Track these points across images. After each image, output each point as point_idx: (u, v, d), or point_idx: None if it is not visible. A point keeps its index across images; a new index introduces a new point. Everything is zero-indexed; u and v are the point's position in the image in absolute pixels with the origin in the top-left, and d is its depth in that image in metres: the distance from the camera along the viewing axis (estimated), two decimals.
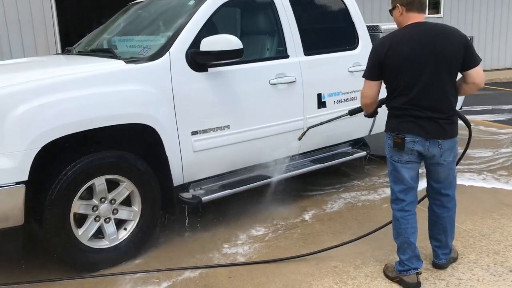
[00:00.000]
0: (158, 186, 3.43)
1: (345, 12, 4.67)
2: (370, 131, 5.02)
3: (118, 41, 4.18)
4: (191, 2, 3.83)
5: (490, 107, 8.80)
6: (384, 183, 4.89)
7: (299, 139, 4.09)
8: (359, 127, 4.82)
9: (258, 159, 4.08)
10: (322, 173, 5.09)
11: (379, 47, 2.88)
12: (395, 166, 2.96)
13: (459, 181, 4.55)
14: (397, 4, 2.86)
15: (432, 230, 3.13)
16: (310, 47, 4.29)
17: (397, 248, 3.03)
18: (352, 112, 3.79)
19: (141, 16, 4.39)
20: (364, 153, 4.86)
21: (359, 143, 5.00)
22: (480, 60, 2.85)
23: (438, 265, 3.16)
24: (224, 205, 4.29)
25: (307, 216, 4.11)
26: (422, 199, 3.29)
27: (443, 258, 3.15)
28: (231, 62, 3.63)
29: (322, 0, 4.64)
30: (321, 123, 4.07)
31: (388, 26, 5.09)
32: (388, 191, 4.66)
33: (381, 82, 2.97)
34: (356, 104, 4.64)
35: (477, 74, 2.81)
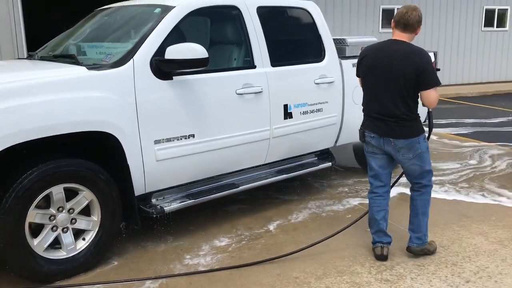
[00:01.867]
0: (118, 196, 3.36)
1: (312, 25, 4.72)
2: (336, 142, 5.07)
3: (87, 47, 4.11)
4: (158, 10, 3.80)
5: (453, 120, 9.04)
6: (349, 194, 4.94)
7: None
8: (325, 138, 4.87)
9: (224, 169, 4.06)
10: (289, 183, 5.11)
11: (361, 53, 3.51)
12: (366, 156, 3.55)
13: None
14: (393, 19, 3.38)
15: (410, 213, 3.53)
16: (277, 58, 4.31)
17: (368, 223, 3.57)
18: None
19: (107, 22, 4.33)
20: (329, 164, 4.90)
21: (324, 154, 5.04)
22: (436, 84, 3.19)
23: (410, 249, 3.50)
24: (189, 215, 4.24)
25: (271, 226, 4.11)
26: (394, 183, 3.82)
27: (415, 242, 3.48)
28: (197, 71, 3.62)
29: (290, 12, 4.66)
30: None
31: (355, 39, 5.18)
32: (352, 201, 4.72)
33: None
34: (323, 115, 4.72)
35: (425, 97, 3.25)
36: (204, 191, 3.95)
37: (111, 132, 3.21)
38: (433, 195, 4.77)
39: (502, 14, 14.47)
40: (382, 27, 12.92)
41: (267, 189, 4.89)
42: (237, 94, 3.94)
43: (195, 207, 3.93)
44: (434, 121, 8.26)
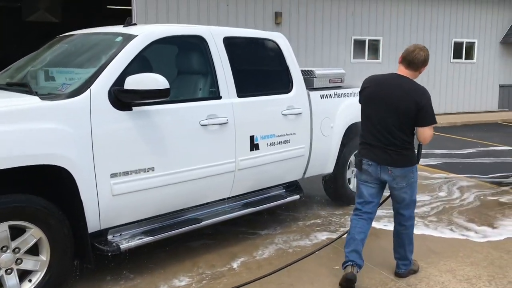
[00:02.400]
0: (70, 233, 3.16)
1: (279, 56, 4.68)
2: (304, 173, 4.98)
3: (56, 72, 3.92)
4: (119, 38, 3.68)
5: (423, 151, 9.07)
6: (317, 228, 4.82)
7: None
8: (293, 170, 4.77)
9: (186, 203, 3.91)
10: (257, 216, 4.96)
11: (363, 83, 3.62)
12: (358, 184, 3.66)
13: (389, 227, 4.58)
14: (401, 53, 3.51)
15: (394, 243, 3.71)
16: (244, 89, 4.23)
17: (345, 244, 3.58)
18: None
19: (67, 50, 4.18)
20: (297, 196, 4.79)
21: (293, 186, 4.94)
22: (432, 123, 3.36)
23: (398, 274, 3.71)
24: (150, 250, 4.04)
25: (235, 264, 3.94)
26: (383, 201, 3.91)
27: (403, 268, 3.71)
28: (158, 102, 3.49)
29: (257, 43, 4.61)
30: None
31: (323, 71, 5.15)
32: (320, 236, 4.59)
33: None
34: (290, 147, 4.63)
35: (421, 133, 3.41)
36: (165, 226, 3.78)
37: (63, 166, 3.03)
38: None
39: (470, 47, 14.88)
40: (353, 58, 13.10)
41: (233, 223, 4.72)
42: (201, 125, 3.82)
43: (156, 242, 3.75)
44: None
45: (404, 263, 3.69)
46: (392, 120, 3.36)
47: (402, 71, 3.46)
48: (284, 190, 4.89)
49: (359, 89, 3.68)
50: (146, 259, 3.96)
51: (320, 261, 4.00)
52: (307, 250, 4.24)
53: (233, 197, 4.33)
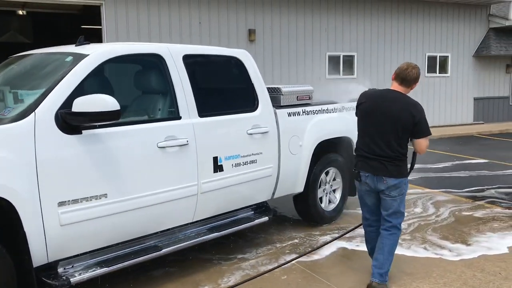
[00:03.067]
0: (12, 268, 2.92)
1: (244, 73, 4.54)
2: (273, 194, 4.81)
3: (5, 93, 3.69)
4: (69, 58, 3.49)
5: None
6: (287, 250, 4.64)
7: None
8: (261, 190, 4.60)
9: (144, 230, 3.70)
10: (224, 240, 4.77)
11: (360, 97, 3.81)
12: (360, 195, 3.86)
13: (361, 248, 4.42)
14: (395, 71, 3.70)
15: (376, 248, 3.77)
16: (206, 108, 4.07)
17: (368, 252, 4.01)
18: None
19: (18, 70, 3.98)
20: (266, 218, 4.62)
21: (262, 208, 4.76)
22: (428, 134, 3.62)
23: (371, 285, 3.69)
24: (109, 280, 3.80)
25: None
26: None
27: (377, 278, 3.69)
28: (110, 124, 3.30)
29: (220, 61, 4.46)
30: None
31: (290, 88, 5.02)
32: (288, 259, 4.41)
33: None
34: (257, 167, 4.47)
35: (418, 144, 3.66)
36: (122, 256, 3.56)
37: (3, 196, 2.81)
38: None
39: (444, 61, 15.03)
40: (328, 74, 13.08)
41: (200, 248, 4.52)
42: (159, 147, 3.63)
43: (117, 272, 3.52)
44: None
45: (380, 272, 3.68)
46: (391, 133, 3.55)
47: (396, 87, 3.66)
48: (253, 212, 4.71)
49: (355, 104, 3.94)
50: None
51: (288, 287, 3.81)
52: (275, 275, 4.05)
53: (197, 221, 4.13)
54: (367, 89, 4.04)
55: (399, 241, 4.75)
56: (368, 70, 13.63)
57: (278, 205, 5.91)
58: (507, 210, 5.95)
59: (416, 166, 9.61)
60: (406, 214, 5.70)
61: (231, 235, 4.85)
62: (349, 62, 13.48)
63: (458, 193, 6.86)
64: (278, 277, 4.02)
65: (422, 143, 3.64)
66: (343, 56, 13.35)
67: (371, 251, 3.91)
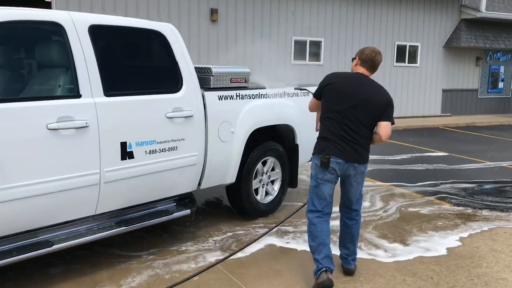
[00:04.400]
0: None
1: (166, 50, 4.06)
2: (199, 184, 4.39)
3: None
4: None
5: None
6: (209, 247, 4.23)
7: None
8: (182, 181, 4.16)
9: (33, 223, 3.24)
10: (145, 234, 4.35)
11: (327, 78, 3.58)
12: (317, 184, 3.51)
13: (292, 245, 4.01)
14: (357, 57, 3.57)
15: (342, 240, 3.76)
16: (115, 87, 3.61)
17: (313, 251, 3.49)
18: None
19: None
20: (187, 211, 4.21)
21: (186, 199, 4.34)
22: (393, 122, 3.47)
23: (348, 270, 3.73)
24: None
25: None
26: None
27: (353, 263, 3.75)
28: None
29: (137, 34, 3.94)
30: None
31: (222, 69, 4.56)
32: (209, 257, 4.01)
33: (319, 103, 3.65)
34: (177, 155, 4.03)
35: (385, 127, 3.42)
36: (1, 253, 3.10)
37: None
38: (300, 246, 4.28)
39: (413, 51, 14.75)
40: (294, 59, 12.66)
41: (112, 243, 4.09)
42: (49, 129, 3.16)
43: (8, 266, 3.09)
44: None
45: (353, 258, 3.73)
46: (362, 116, 3.39)
47: (364, 72, 3.54)
48: (175, 204, 4.28)
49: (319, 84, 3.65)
50: None
51: None
52: (186, 275, 3.65)
53: (103, 213, 3.69)
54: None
55: (333, 238, 4.43)
56: (335, 57, 13.25)
57: (223, 195, 5.51)
58: (455, 207, 5.66)
59: (372, 157, 9.36)
60: None
61: (154, 229, 4.44)
62: (315, 47, 13.07)
63: (410, 187, 6.56)
64: (189, 278, 3.61)
65: (388, 127, 3.45)
66: (310, 41, 12.93)
67: (318, 246, 3.47)
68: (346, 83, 3.49)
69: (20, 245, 3.21)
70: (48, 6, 10.07)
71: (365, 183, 6.54)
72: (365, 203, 5.69)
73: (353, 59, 3.63)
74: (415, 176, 7.31)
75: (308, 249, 3.66)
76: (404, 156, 8.95)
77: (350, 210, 3.67)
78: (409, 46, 14.59)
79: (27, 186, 3.08)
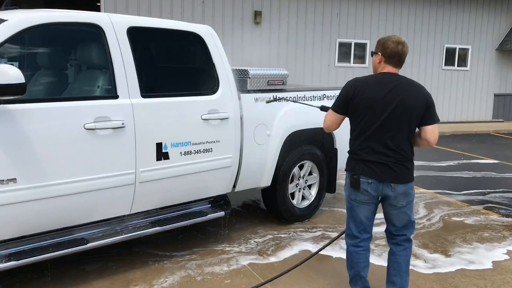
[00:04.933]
0: None
1: (204, 52, 4.07)
2: (234, 187, 4.37)
3: None
4: None
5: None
6: (244, 248, 4.20)
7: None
8: (217, 182, 4.16)
9: (65, 221, 3.31)
10: (181, 234, 4.37)
11: (350, 86, 3.02)
12: (351, 206, 3.10)
13: (327, 252, 3.92)
14: (379, 52, 3.00)
15: (389, 272, 3.18)
16: (152, 89, 3.64)
17: (349, 279, 3.21)
18: (324, 109, 3.76)
19: None
20: (221, 213, 4.19)
21: (220, 201, 4.33)
22: (438, 120, 2.98)
23: None
24: (38, 271, 3.45)
25: None
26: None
27: None
28: (24, 100, 2.91)
29: (176, 36, 3.97)
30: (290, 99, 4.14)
31: (259, 71, 4.52)
32: (242, 260, 3.98)
33: (344, 118, 3.15)
34: (212, 157, 4.03)
35: (432, 132, 2.94)
36: (38, 248, 3.18)
37: None
38: (336, 253, 4.17)
39: (463, 54, 14.21)
40: (338, 61, 12.47)
41: (148, 242, 4.14)
42: (86, 129, 3.22)
43: (26, 268, 3.18)
44: None
45: None
46: (403, 123, 2.90)
47: (392, 69, 2.99)
48: (210, 206, 4.28)
49: (344, 96, 3.05)
50: (24, 285, 3.36)
51: None
52: (218, 278, 3.63)
53: (139, 213, 3.73)
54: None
55: (371, 246, 4.30)
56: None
57: (261, 198, 5.49)
58: (504, 218, 5.37)
59: (416, 163, 9.05)
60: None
61: (189, 229, 4.45)
62: (361, 50, 12.82)
63: (455, 196, 6.29)
64: (220, 280, 3.59)
65: (435, 130, 2.95)
66: (355, 43, 12.70)
67: (354, 277, 3.19)
68: (376, 90, 2.93)
69: (56, 242, 3.30)
70: (97, 8, 10.40)
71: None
72: None
73: (372, 53, 3.08)
74: (461, 184, 7.00)
75: (344, 256, 3.56)
76: (451, 163, 8.61)
77: (393, 236, 3.15)
78: (459, 49, 14.06)
79: (63, 185, 3.15)
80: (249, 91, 4.39)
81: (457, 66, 14.13)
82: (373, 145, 2.94)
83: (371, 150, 2.94)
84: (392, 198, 2.97)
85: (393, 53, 2.95)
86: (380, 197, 3.02)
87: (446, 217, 5.33)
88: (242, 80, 4.43)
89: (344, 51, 12.60)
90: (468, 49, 14.18)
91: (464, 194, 6.39)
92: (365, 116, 2.94)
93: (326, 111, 3.47)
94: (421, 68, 13.50)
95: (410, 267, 3.89)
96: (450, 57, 13.98)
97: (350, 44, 12.64)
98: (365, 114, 2.94)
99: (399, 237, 3.12)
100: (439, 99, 13.89)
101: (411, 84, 2.96)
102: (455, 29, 13.90)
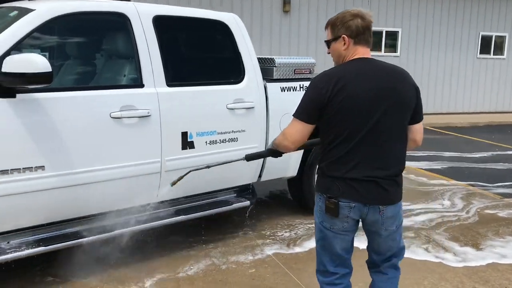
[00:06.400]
0: None
1: (230, 40, 4.04)
2: (260, 176, 4.35)
3: None
4: (14, 13, 3.15)
5: (432, 153, 8.24)
6: (269, 238, 4.18)
7: (173, 184, 3.14)
8: (243, 172, 4.14)
9: (92, 208, 3.35)
10: (208, 222, 4.39)
11: (321, 85, 2.22)
12: (327, 236, 2.37)
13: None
14: (343, 35, 2.28)
15: None
16: (177, 78, 3.64)
17: None
18: (250, 158, 2.85)
19: None
20: (247, 202, 4.17)
21: (246, 190, 4.32)
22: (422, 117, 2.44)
23: None
24: (49, 262, 3.52)
25: (148, 283, 3.36)
26: None
27: None
28: (52, 89, 2.96)
29: (200, 25, 3.96)
30: (207, 166, 3.09)
31: (285, 60, 4.47)
32: (267, 250, 3.96)
33: (313, 128, 2.31)
34: (238, 146, 4.01)
35: (420, 131, 2.39)
36: (60, 236, 3.24)
37: None
38: (362, 244, 4.07)
39: (500, 42, 13.71)
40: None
41: (174, 229, 4.17)
42: (112, 117, 3.25)
43: (52, 254, 3.25)
44: (410, 152, 7.36)
45: None
46: (397, 124, 2.25)
47: (365, 52, 2.29)
48: (235, 195, 4.28)
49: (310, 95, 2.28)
50: (40, 274, 3.44)
51: None
52: (243, 267, 3.63)
53: (164, 202, 3.75)
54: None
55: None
56: (413, 48, 12.65)
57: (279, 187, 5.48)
58: None
59: (449, 154, 8.84)
60: (412, 207, 5.10)
61: (215, 218, 4.46)
62: (392, 38, 12.54)
63: (488, 188, 6.10)
64: (245, 270, 3.59)
65: (422, 128, 2.39)
66: (386, 31, 12.42)
67: None
68: (360, 84, 2.19)
69: (85, 228, 3.35)
70: None
71: (439, 181, 6.31)
72: (431, 204, 5.36)
73: (330, 41, 2.36)
74: (495, 176, 6.78)
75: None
76: (484, 154, 8.35)
77: (379, 263, 2.51)
78: (496, 36, 13.56)
79: (89, 172, 3.19)
80: (275, 80, 4.35)
81: (493, 54, 13.65)
82: (357, 157, 2.21)
83: (356, 164, 2.21)
84: (379, 223, 2.31)
85: (361, 27, 2.26)
86: (361, 221, 2.36)
87: (478, 210, 5.17)
88: (268, 69, 4.39)
89: (374, 41, 12.31)
90: (505, 36, 13.68)
91: (497, 187, 6.19)
92: (348, 122, 2.19)
93: (254, 159, 2.88)
94: (454, 58, 13.09)
95: (438, 260, 3.82)
96: (485, 45, 13.50)
97: (381, 32, 12.37)
98: (349, 118, 2.19)
99: (385, 263, 2.49)
100: (473, 89, 13.48)
101: (399, 72, 2.30)
102: (491, 16, 13.41)
